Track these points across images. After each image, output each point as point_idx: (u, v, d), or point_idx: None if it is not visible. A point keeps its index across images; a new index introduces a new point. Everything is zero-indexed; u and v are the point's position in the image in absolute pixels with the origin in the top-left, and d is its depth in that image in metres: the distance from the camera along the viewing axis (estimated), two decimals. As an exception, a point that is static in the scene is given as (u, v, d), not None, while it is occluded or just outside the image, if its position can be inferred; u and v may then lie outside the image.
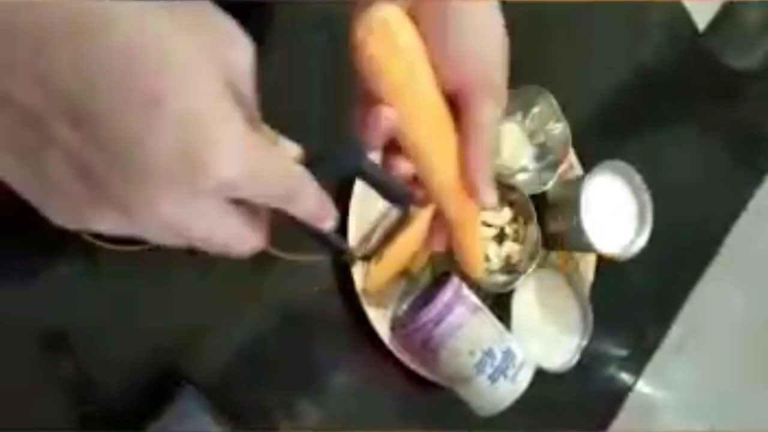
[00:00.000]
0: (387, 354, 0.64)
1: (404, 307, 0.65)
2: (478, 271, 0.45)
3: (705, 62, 0.93)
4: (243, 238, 0.29)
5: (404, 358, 0.64)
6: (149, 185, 0.24)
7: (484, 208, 0.39)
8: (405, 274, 0.66)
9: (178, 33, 0.24)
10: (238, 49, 0.27)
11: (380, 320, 0.63)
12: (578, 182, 0.68)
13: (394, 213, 0.37)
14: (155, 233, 0.27)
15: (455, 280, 0.62)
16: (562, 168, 0.71)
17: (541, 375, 0.64)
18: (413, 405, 0.67)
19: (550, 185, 0.70)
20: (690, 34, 0.92)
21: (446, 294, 0.60)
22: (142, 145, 0.23)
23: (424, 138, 0.36)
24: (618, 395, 0.84)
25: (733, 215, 0.95)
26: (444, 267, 0.68)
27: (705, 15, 0.94)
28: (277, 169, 0.28)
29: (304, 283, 0.62)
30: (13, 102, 0.23)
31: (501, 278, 0.69)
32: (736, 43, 0.96)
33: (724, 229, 0.94)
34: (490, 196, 0.38)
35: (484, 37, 0.36)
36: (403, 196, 0.36)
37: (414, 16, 0.35)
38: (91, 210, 0.25)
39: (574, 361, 0.70)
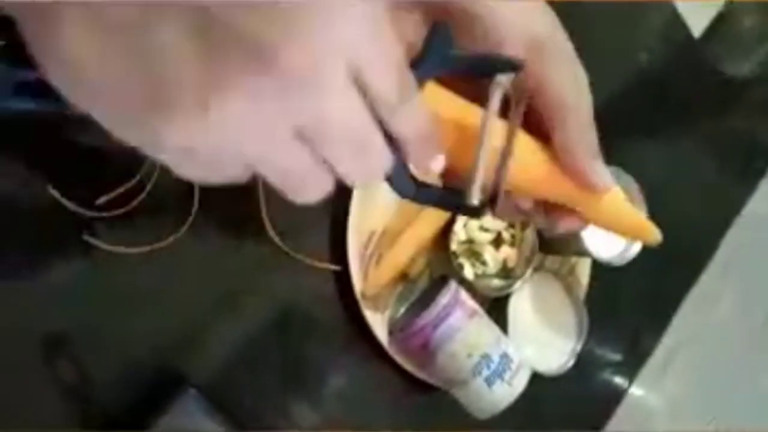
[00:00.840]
0: (384, 357, 0.64)
1: (402, 310, 0.65)
2: (654, 232, 0.37)
3: (700, 69, 0.94)
4: (373, 142, 0.25)
5: (402, 361, 0.64)
6: (286, 16, 0.21)
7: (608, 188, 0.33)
8: (403, 277, 0.66)
9: None
10: None
11: (378, 323, 0.63)
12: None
13: (493, 138, 0.29)
14: (280, 134, 0.23)
15: (453, 285, 0.63)
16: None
17: (536, 378, 0.65)
18: (410, 407, 0.68)
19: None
20: (685, 41, 0.92)
21: (444, 298, 0.61)
22: (277, 55, 0.21)
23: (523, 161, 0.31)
24: (612, 398, 0.85)
25: (727, 221, 0.95)
26: (442, 271, 0.68)
27: (700, 22, 0.95)
28: (396, 53, 0.25)
29: (303, 286, 0.62)
30: None
31: (497, 282, 0.69)
32: (731, 51, 0.96)
33: (718, 234, 0.95)
34: (602, 174, 0.31)
35: (523, 15, 0.31)
36: (507, 59, 0.29)
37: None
38: (205, 94, 0.21)
39: (570, 364, 0.71)
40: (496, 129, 0.30)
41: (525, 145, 0.32)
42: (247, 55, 0.21)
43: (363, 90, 0.24)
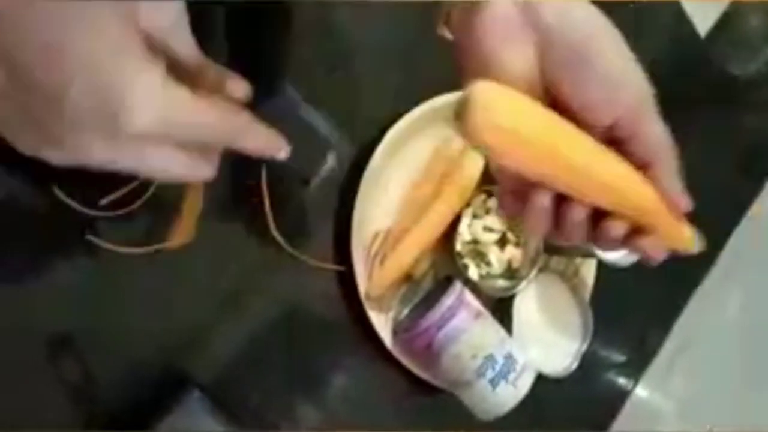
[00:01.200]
0: (389, 357, 0.64)
1: (406, 311, 0.65)
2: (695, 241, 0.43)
3: (706, 69, 0.94)
4: (196, 169, 0.32)
5: (406, 361, 0.64)
6: (79, 131, 0.27)
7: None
8: (407, 278, 0.66)
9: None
10: (155, 6, 0.29)
11: (382, 324, 0.63)
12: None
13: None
14: (107, 167, 0.29)
15: (457, 285, 0.63)
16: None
17: (541, 379, 0.65)
18: (414, 408, 0.68)
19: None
20: (691, 41, 0.92)
21: (449, 299, 0.61)
22: (67, 94, 0.26)
23: (610, 177, 0.35)
24: (617, 399, 0.85)
25: (732, 221, 0.95)
26: (446, 271, 0.68)
27: (707, 21, 0.94)
28: (208, 114, 0.30)
29: (307, 287, 0.62)
30: None
31: (502, 283, 0.69)
32: (737, 50, 0.96)
33: (724, 234, 0.94)
34: (687, 201, 0.38)
35: (622, 62, 0.35)
36: (326, 141, 0.35)
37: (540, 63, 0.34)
38: (40, 145, 0.28)
39: (575, 365, 0.71)
40: None
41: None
42: (57, 144, 0.28)
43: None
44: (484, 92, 0.32)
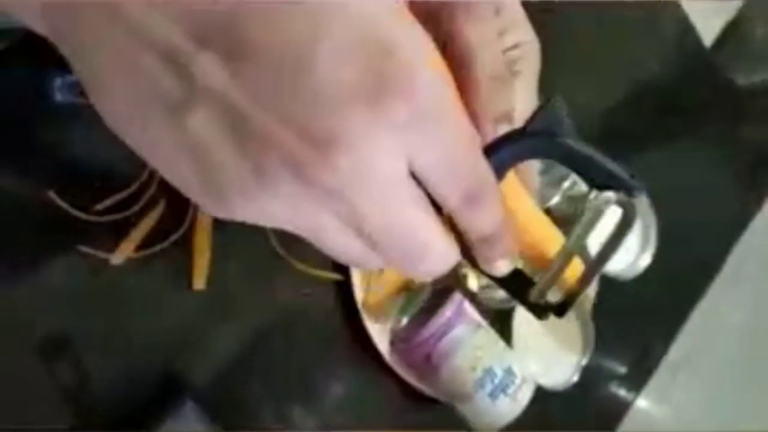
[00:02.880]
0: (386, 368, 0.63)
1: (404, 321, 0.64)
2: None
3: (711, 78, 0.93)
4: (427, 245, 0.22)
5: (403, 372, 0.63)
6: (323, 120, 0.19)
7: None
8: (405, 288, 0.66)
9: None
10: None
11: (379, 334, 0.63)
12: (582, 198, 0.68)
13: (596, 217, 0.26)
14: (329, 223, 0.21)
15: (456, 297, 0.62)
16: (566, 183, 0.70)
17: (541, 391, 0.64)
18: (411, 420, 0.67)
19: (554, 201, 0.70)
20: (696, 50, 0.92)
21: (448, 310, 0.60)
22: (315, 68, 0.19)
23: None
24: (617, 412, 0.84)
25: (736, 230, 0.95)
26: (445, 281, 0.67)
27: (712, 30, 0.94)
28: (465, 151, 0.22)
29: (304, 295, 0.62)
30: (153, 41, 0.19)
31: (502, 294, 0.68)
32: (742, 59, 0.96)
33: (728, 245, 0.94)
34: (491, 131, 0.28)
35: None
36: (623, 178, 0.24)
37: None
38: (249, 182, 0.20)
39: (575, 378, 0.70)
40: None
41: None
42: (283, 165, 0.20)
43: (429, 192, 0.22)
44: None
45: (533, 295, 0.27)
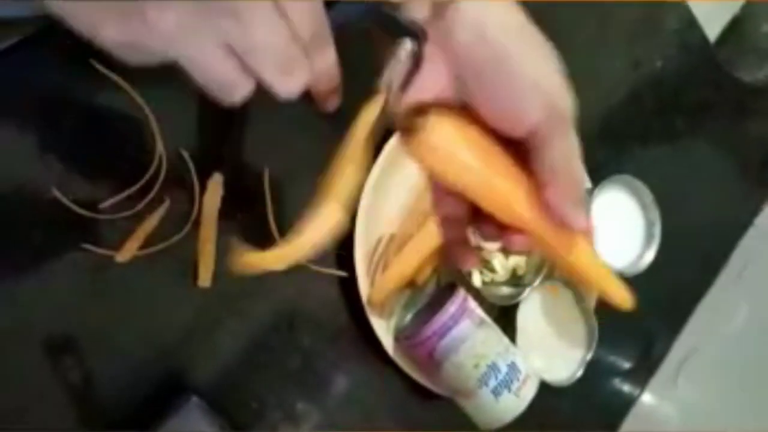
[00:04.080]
0: (390, 364, 0.64)
1: (408, 317, 0.64)
2: (626, 300, 0.40)
3: (715, 75, 0.93)
4: (294, 59, 0.29)
5: (407, 368, 0.64)
6: None
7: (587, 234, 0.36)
8: (410, 284, 0.66)
9: None
10: None
11: (384, 330, 0.63)
12: (586, 195, 0.68)
13: (399, 61, 0.33)
14: (215, 41, 0.27)
15: (461, 293, 0.62)
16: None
17: (545, 387, 0.64)
18: (415, 416, 0.67)
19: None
20: (700, 46, 0.91)
21: (452, 306, 0.60)
22: None
23: (515, 210, 0.35)
24: (622, 408, 0.84)
25: (741, 228, 0.94)
26: (449, 277, 0.67)
27: (716, 27, 0.94)
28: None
29: (309, 291, 0.62)
30: None
31: (506, 291, 0.69)
32: (746, 57, 0.95)
33: (732, 241, 0.94)
34: (583, 221, 0.34)
35: (535, 69, 0.33)
36: (414, 29, 0.33)
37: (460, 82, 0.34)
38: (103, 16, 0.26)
39: (579, 374, 0.70)
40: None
41: (512, 176, 0.35)
42: None
43: (285, 20, 0.28)
44: (438, 132, 0.33)
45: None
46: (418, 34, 0.32)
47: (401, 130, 0.34)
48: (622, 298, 0.40)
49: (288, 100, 0.30)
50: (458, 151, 0.34)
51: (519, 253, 0.66)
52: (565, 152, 0.33)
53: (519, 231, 0.36)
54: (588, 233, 0.36)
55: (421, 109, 0.34)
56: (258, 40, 0.27)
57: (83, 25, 0.26)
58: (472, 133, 0.34)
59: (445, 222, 0.39)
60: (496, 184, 0.34)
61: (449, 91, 0.34)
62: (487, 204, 0.35)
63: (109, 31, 0.26)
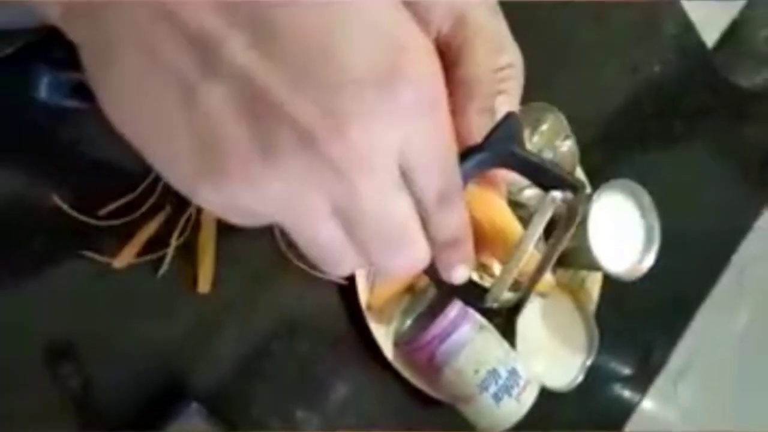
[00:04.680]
0: (390, 369, 0.63)
1: (408, 322, 0.64)
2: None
3: (712, 80, 0.93)
4: (410, 237, 0.24)
5: (407, 374, 0.63)
6: (342, 98, 0.20)
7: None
8: (409, 289, 0.66)
9: None
10: None
11: (383, 336, 0.63)
12: (586, 200, 0.68)
13: (542, 217, 0.28)
14: (320, 207, 0.22)
15: (460, 298, 0.62)
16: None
17: (545, 392, 0.64)
18: (415, 422, 0.67)
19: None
20: (698, 51, 0.92)
21: (452, 311, 0.60)
22: (337, 52, 0.20)
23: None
24: (622, 413, 0.84)
25: (740, 232, 0.94)
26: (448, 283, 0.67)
27: (714, 32, 0.94)
28: (449, 153, 0.24)
29: (308, 297, 0.62)
30: (179, 21, 0.20)
31: (507, 295, 0.68)
32: (744, 61, 0.96)
33: (732, 245, 0.94)
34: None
35: None
36: (570, 178, 0.28)
37: None
38: (255, 158, 0.21)
39: (579, 379, 0.70)
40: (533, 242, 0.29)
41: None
42: (296, 139, 0.20)
43: (408, 186, 0.23)
44: None
45: (489, 299, 0.29)
46: (574, 185, 0.28)
47: None
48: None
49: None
50: None
51: None
52: (478, 72, 0.30)
53: None
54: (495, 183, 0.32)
55: None
56: (369, 209, 0.22)
57: (181, 189, 0.22)
58: None
59: None
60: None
61: None
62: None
63: (210, 196, 0.22)
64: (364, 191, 0.22)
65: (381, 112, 0.21)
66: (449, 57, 0.30)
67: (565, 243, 0.29)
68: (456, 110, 0.29)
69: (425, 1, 0.29)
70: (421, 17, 0.29)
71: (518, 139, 0.27)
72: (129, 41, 0.20)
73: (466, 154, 0.27)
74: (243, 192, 0.21)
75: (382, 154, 0.22)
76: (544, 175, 0.28)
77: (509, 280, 0.29)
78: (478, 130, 0.29)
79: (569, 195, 0.28)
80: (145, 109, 0.21)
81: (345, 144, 0.21)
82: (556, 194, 0.28)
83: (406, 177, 0.23)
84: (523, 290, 0.30)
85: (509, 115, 0.27)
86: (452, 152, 0.24)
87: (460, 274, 0.27)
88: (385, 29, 0.21)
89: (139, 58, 0.20)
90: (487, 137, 0.27)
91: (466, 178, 0.26)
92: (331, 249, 0.24)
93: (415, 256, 0.24)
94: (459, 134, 0.29)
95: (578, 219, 0.28)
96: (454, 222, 0.25)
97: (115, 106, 0.22)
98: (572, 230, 0.28)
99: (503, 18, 0.33)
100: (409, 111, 0.21)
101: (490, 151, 0.27)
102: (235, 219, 0.23)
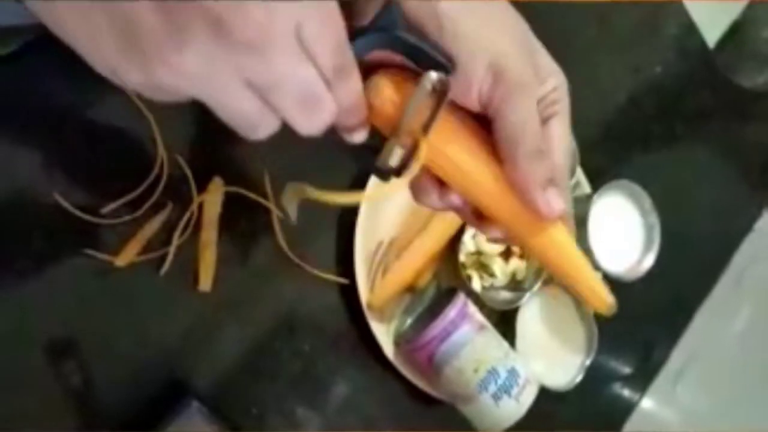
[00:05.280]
0: (390, 369, 0.64)
1: (409, 322, 0.64)
2: (606, 303, 0.37)
3: (714, 80, 0.93)
4: (318, 96, 0.28)
5: (407, 373, 0.64)
6: (188, 34, 0.24)
7: (561, 219, 0.34)
8: (410, 289, 0.66)
9: None
10: None
11: (384, 335, 0.63)
12: (586, 200, 0.68)
13: (424, 93, 0.32)
14: (233, 81, 0.26)
15: (461, 297, 0.62)
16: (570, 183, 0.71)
17: (544, 392, 0.64)
18: (415, 421, 0.67)
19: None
20: (700, 51, 0.92)
21: (452, 311, 0.60)
22: None
23: (471, 186, 0.33)
24: (621, 413, 0.84)
25: (741, 233, 0.94)
26: (449, 282, 0.67)
27: (715, 32, 0.94)
28: (340, 30, 0.28)
29: (309, 296, 0.62)
30: None
31: (506, 295, 0.69)
32: (746, 62, 0.95)
33: (732, 246, 0.94)
34: (556, 200, 0.32)
35: (478, 32, 0.32)
36: (443, 59, 0.31)
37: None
38: (169, 41, 0.24)
39: (578, 379, 0.70)
40: (420, 111, 0.32)
41: (479, 155, 0.33)
42: (205, 21, 0.24)
43: (308, 55, 0.27)
44: (381, 90, 0.32)
45: (380, 160, 0.33)
46: (445, 66, 0.31)
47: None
48: (602, 301, 0.36)
49: (309, 136, 0.30)
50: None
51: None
52: (520, 121, 0.32)
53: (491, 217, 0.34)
54: (563, 220, 0.34)
55: (370, 69, 0.33)
56: (279, 77, 0.26)
57: (105, 70, 0.26)
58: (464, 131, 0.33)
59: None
60: (453, 154, 0.33)
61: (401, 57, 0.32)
62: (449, 178, 0.34)
63: (131, 75, 0.25)
64: (274, 61, 0.26)
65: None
66: (491, 110, 0.32)
67: (439, 116, 0.32)
68: (505, 159, 0.32)
69: (464, 64, 0.32)
70: (461, 80, 0.32)
71: (400, 24, 0.31)
72: None
73: (355, 34, 0.30)
74: (162, 73, 0.25)
75: (283, 31, 0.25)
76: (423, 56, 0.31)
77: (396, 143, 0.33)
78: (530, 175, 0.32)
79: (443, 75, 0.31)
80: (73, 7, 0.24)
81: (251, 24, 0.24)
82: (433, 74, 0.31)
83: (307, 52, 0.27)
84: (408, 152, 0.33)
85: (390, 2, 0.31)
86: (342, 31, 0.28)
87: (359, 136, 0.33)
88: None
89: None
90: (374, 21, 0.31)
91: (359, 56, 0.30)
92: (250, 116, 0.28)
93: (325, 113, 0.29)
94: (513, 181, 0.32)
95: (448, 96, 0.32)
96: (351, 91, 0.30)
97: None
98: (444, 103, 0.32)
99: (540, 45, 0.35)
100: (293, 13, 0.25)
101: (377, 33, 0.31)
102: (159, 96, 0.26)
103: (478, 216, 0.36)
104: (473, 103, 0.33)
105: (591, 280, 0.36)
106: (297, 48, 0.26)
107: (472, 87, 0.32)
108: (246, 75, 0.26)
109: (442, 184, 0.35)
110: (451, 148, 0.33)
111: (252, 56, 0.25)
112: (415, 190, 0.36)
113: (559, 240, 0.34)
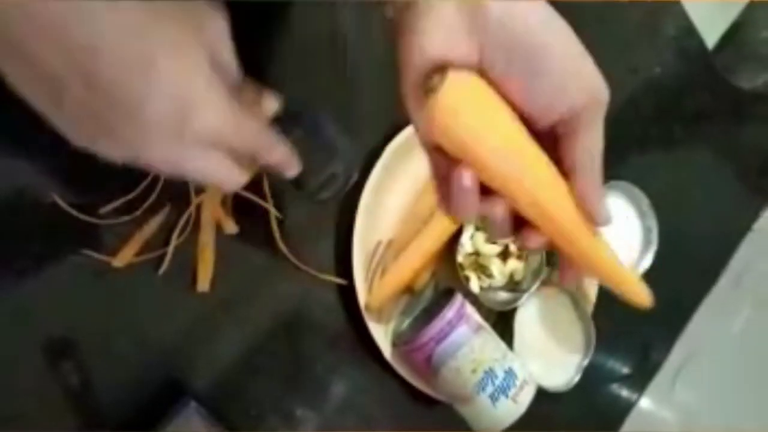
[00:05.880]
0: (388, 369, 0.64)
1: (406, 322, 0.65)
2: (647, 298, 0.38)
3: (713, 81, 0.93)
4: (231, 176, 0.35)
5: (405, 374, 0.64)
6: (149, 134, 0.31)
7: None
8: (408, 290, 0.66)
9: (160, 20, 0.29)
10: (215, 21, 0.32)
11: (382, 336, 0.63)
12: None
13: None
14: (156, 166, 0.33)
15: (458, 298, 0.62)
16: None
17: (542, 392, 0.64)
18: (413, 421, 0.67)
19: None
20: (698, 53, 0.92)
21: (449, 312, 0.60)
22: (144, 105, 0.29)
23: (531, 185, 0.33)
24: (619, 413, 0.84)
25: (739, 233, 0.94)
26: (447, 283, 0.67)
27: (714, 34, 0.94)
28: (249, 127, 0.34)
29: (308, 297, 0.62)
30: (37, 64, 0.28)
31: (504, 296, 0.69)
32: (744, 63, 0.95)
33: (731, 247, 0.94)
34: (606, 214, 0.34)
35: (570, 63, 0.33)
36: (335, 145, 0.41)
37: (482, 66, 0.33)
38: (98, 138, 0.31)
39: (576, 379, 0.70)
40: None
41: (543, 164, 0.34)
42: (128, 147, 0.32)
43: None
44: (455, 91, 0.32)
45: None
46: (334, 151, 0.38)
47: (418, 92, 0.33)
48: (643, 296, 0.37)
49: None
50: (472, 116, 0.32)
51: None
52: (597, 142, 0.34)
53: (533, 226, 0.35)
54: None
55: (440, 68, 0.32)
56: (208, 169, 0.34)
57: (78, 142, 0.32)
58: (492, 102, 0.33)
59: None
60: (515, 161, 0.33)
61: (475, 57, 0.32)
62: (502, 184, 0.33)
63: (104, 150, 0.32)
64: (186, 169, 0.33)
65: (175, 143, 0.32)
66: (569, 127, 0.33)
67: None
68: (577, 171, 0.34)
69: (564, 87, 0.33)
70: (557, 95, 0.33)
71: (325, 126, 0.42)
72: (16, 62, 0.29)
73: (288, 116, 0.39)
74: (130, 154, 0.32)
75: (186, 158, 0.33)
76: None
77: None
78: (597, 188, 0.34)
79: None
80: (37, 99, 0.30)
81: (154, 155, 0.32)
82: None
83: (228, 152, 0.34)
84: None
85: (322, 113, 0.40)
86: (247, 132, 0.35)
87: (291, 172, 0.40)
88: (186, 88, 0.30)
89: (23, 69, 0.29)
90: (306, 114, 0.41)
91: None
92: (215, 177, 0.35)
93: (238, 181, 0.36)
94: (580, 192, 0.34)
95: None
96: (275, 157, 0.38)
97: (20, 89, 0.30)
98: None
99: (591, 62, 0.35)
100: (198, 141, 0.32)
101: (304, 125, 0.41)
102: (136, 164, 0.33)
103: (516, 226, 0.36)
104: (546, 119, 0.33)
105: (633, 280, 0.37)
106: (204, 156, 0.33)
107: (561, 107, 0.33)
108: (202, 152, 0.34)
109: (485, 191, 0.34)
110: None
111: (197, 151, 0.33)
112: (460, 196, 0.35)
113: (604, 243, 0.35)
